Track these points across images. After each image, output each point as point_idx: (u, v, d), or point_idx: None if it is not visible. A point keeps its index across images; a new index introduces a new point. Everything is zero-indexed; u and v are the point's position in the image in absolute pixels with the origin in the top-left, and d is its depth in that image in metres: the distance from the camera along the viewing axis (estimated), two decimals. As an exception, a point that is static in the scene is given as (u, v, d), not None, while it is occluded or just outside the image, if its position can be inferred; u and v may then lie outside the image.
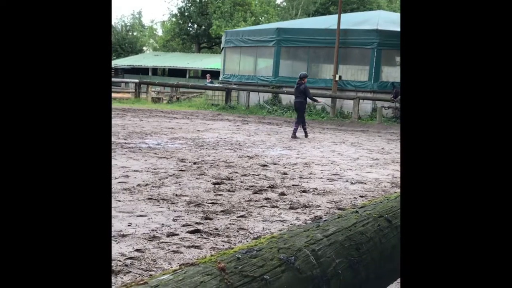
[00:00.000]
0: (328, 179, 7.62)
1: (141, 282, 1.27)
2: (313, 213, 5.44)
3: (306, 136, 13.73)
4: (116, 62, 44.02)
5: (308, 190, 6.61)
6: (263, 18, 45.12)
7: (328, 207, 5.75)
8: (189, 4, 48.57)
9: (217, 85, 26.62)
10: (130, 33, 50.20)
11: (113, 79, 34.33)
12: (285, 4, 55.14)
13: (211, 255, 1.76)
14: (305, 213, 5.41)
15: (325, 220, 2.15)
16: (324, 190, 6.72)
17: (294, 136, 13.56)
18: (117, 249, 4.00)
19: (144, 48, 52.97)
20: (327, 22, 24.04)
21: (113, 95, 28.20)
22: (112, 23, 50.56)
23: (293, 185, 6.95)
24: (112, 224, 4.61)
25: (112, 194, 5.75)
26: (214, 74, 30.71)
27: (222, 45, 28.46)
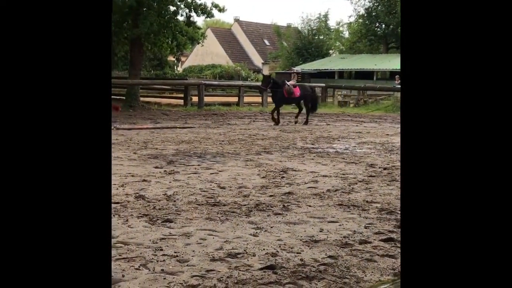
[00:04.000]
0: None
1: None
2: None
3: None
4: (303, 67, 44.80)
5: None
6: (459, 10, 42.47)
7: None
8: (377, 4, 47.56)
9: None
10: (316, 37, 50.59)
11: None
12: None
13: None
14: None
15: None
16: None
17: None
18: (310, 254, 4.03)
19: (330, 51, 53.10)
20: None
21: (300, 99, 28.82)
22: (299, 27, 51.70)
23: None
24: (304, 229, 4.68)
25: (302, 199, 5.85)
26: (402, 75, 29.76)
27: (411, 45, 27.51)
